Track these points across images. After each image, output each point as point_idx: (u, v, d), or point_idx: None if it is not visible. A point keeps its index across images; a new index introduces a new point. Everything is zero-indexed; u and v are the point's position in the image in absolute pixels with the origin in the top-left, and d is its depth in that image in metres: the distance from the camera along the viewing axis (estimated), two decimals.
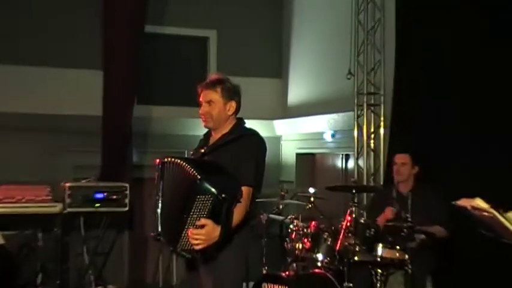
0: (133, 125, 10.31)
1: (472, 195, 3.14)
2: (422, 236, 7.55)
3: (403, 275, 7.52)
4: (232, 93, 5.37)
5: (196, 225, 4.77)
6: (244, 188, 5.01)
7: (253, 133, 5.42)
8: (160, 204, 5.17)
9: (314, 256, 7.72)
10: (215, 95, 5.31)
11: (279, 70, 14.23)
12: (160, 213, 5.16)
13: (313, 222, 7.90)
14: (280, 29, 14.32)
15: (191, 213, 4.78)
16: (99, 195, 9.20)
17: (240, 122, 5.47)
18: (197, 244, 4.76)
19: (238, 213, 4.95)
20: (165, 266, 10.57)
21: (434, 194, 7.25)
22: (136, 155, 10.46)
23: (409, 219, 7.36)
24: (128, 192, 9.35)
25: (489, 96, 8.16)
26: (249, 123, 5.53)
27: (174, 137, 11.33)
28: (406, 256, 7.30)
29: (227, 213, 4.84)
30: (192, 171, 4.81)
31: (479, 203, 2.96)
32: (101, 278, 9.66)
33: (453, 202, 3.37)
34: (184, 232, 4.82)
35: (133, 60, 10.08)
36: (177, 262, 11.61)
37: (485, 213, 2.89)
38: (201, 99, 5.39)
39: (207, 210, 4.76)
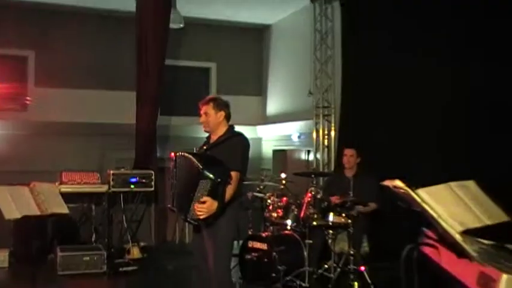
0: (158, 130, 10.34)
1: (394, 178, 3.18)
2: (360, 207, 7.63)
3: (347, 234, 7.57)
4: (222, 106, 5.48)
5: (200, 201, 4.89)
6: (233, 173, 5.12)
7: (240, 134, 5.52)
8: (174, 186, 5.34)
9: (285, 222, 7.78)
10: (209, 108, 5.45)
11: (260, 90, 14.27)
12: (174, 192, 5.33)
13: (284, 198, 7.94)
14: (261, 61, 14.34)
15: (196, 193, 4.91)
16: (133, 179, 9.24)
17: (231, 127, 5.56)
18: (201, 215, 4.91)
19: (229, 191, 5.08)
20: (180, 229, 10.60)
21: (370, 177, 7.29)
22: (160, 151, 10.47)
23: (352, 196, 7.49)
24: (153, 177, 9.40)
25: (414, 105, 8.27)
26: (239, 128, 5.62)
27: (187, 138, 11.32)
28: (349, 221, 7.38)
29: (222, 192, 4.98)
30: (196, 163, 4.96)
31: (398, 183, 3.00)
32: (135, 237, 9.68)
33: (381, 183, 3.41)
34: (191, 206, 4.94)
35: (157, 85, 10.12)
36: (189, 226, 11.69)
37: (402, 190, 2.94)
38: (200, 111, 5.51)
39: (207, 190, 4.89)
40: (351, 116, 9.95)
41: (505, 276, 2.32)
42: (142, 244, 9.75)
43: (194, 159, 5.01)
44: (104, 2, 11.80)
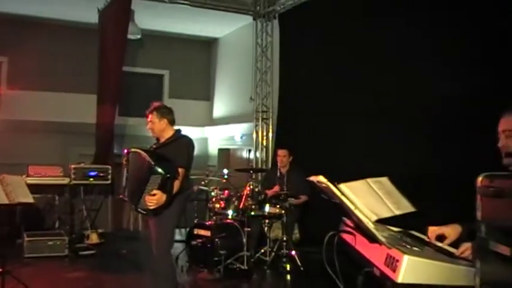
0: (116, 129, 10.25)
1: (318, 174, 3.22)
2: (293, 199, 7.74)
3: (280, 223, 7.68)
4: (164, 114, 5.47)
5: (150, 194, 4.87)
6: (180, 169, 5.12)
7: (186, 136, 5.51)
8: (127, 179, 5.28)
9: (226, 212, 7.86)
10: (153, 117, 5.44)
11: (208, 95, 14.29)
12: (127, 185, 5.27)
13: (226, 191, 7.99)
14: (209, 70, 14.38)
15: (147, 186, 4.89)
16: (93, 173, 9.15)
17: (178, 131, 5.55)
18: (151, 205, 4.90)
19: (176, 185, 5.06)
20: (134, 218, 10.55)
21: (301, 173, 7.36)
22: (117, 148, 10.38)
23: (285, 189, 7.57)
24: (110, 171, 9.32)
25: (341, 110, 8.39)
26: (188, 129, 5.68)
27: (142, 137, 11.19)
28: (283, 211, 7.48)
29: (171, 186, 4.96)
30: (148, 159, 4.94)
31: (321, 178, 3.06)
32: (94, 225, 9.57)
33: (307, 178, 3.46)
34: (142, 197, 4.93)
35: (116, 89, 10.05)
36: (142, 216, 11.64)
37: (323, 185, 3.00)
38: (147, 119, 5.50)
39: (157, 184, 4.87)
40: (287, 120, 10.09)
41: (405, 257, 2.41)
42: (100, 231, 9.64)
43: (146, 156, 4.99)
44: (70, 15, 11.70)
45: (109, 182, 9.36)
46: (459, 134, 6.14)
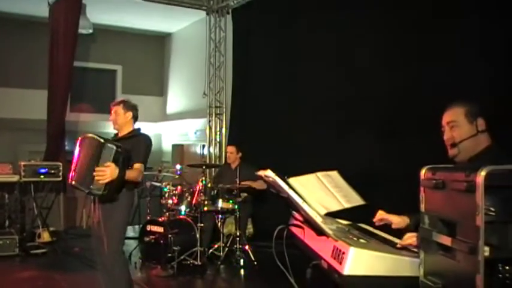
0: (67, 126, 10.10)
1: (266, 168, 3.23)
2: (245, 194, 7.77)
3: (234, 218, 7.68)
4: (130, 108, 5.41)
5: (103, 165, 4.75)
6: (138, 164, 5.04)
7: (144, 134, 5.44)
8: (76, 163, 4.99)
9: (179, 208, 7.82)
10: (119, 108, 5.36)
11: (161, 91, 14.17)
12: (77, 168, 4.96)
13: (179, 187, 7.93)
14: (162, 65, 14.27)
15: (100, 161, 4.76)
16: (43, 170, 8.97)
17: (138, 128, 5.48)
18: (104, 178, 4.72)
19: (133, 174, 4.99)
20: (87, 216, 10.41)
21: (252, 167, 7.37)
22: (69, 145, 10.23)
23: (238, 184, 7.58)
24: (61, 168, 9.15)
25: (293, 107, 8.48)
26: (142, 124, 5.56)
27: (93, 133, 11.17)
28: (236, 206, 7.49)
29: (123, 161, 4.83)
30: (98, 138, 4.85)
31: (269, 173, 3.06)
32: (45, 223, 9.40)
33: (256, 173, 3.46)
34: (95, 176, 4.76)
35: (67, 84, 9.90)
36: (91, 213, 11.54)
37: (271, 179, 3.01)
38: (111, 111, 5.42)
39: (110, 158, 4.77)
40: (240, 115, 10.10)
41: (351, 249, 2.43)
42: (52, 229, 9.48)
43: (96, 136, 4.91)
44: (20, 8, 11.41)
45: (60, 179, 9.19)
46: (408, 128, 6.25)
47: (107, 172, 4.73)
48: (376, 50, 7.04)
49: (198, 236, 7.37)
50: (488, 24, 5.58)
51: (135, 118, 5.48)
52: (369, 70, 7.07)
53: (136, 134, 5.43)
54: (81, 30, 10.25)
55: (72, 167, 5.03)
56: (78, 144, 5.12)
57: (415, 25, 6.44)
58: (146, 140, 5.34)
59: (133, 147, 5.15)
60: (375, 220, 3.30)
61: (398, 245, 2.92)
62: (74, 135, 11.32)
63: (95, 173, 4.75)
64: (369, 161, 6.67)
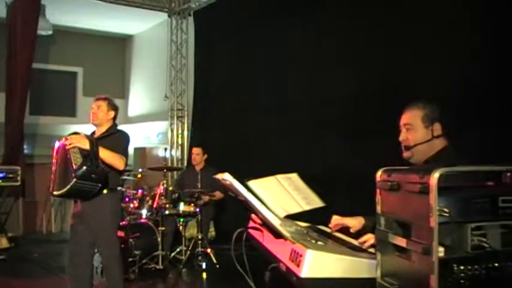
0: (26, 129, 9.94)
1: (233, 172, 3.21)
2: (207, 197, 7.74)
3: (196, 221, 7.65)
4: (114, 107, 5.37)
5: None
6: (120, 156, 5.00)
7: (122, 130, 5.40)
8: (55, 171, 4.96)
9: (140, 212, 7.74)
10: (103, 104, 5.29)
11: (123, 93, 14.03)
12: (56, 177, 4.90)
13: (139, 190, 7.88)
14: (124, 67, 14.15)
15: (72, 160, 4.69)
16: (1, 174, 8.81)
17: (115, 125, 5.43)
18: (71, 144, 4.70)
19: (111, 153, 4.94)
20: (47, 220, 10.27)
21: (215, 170, 7.34)
22: (28, 148, 10.08)
23: (200, 187, 7.55)
24: (19, 172, 8.99)
25: (255, 109, 8.51)
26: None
27: (55, 137, 10.96)
28: (198, 209, 7.46)
29: (92, 140, 4.82)
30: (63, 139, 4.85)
31: (226, 176, 3.05)
32: (4, 229, 9.22)
33: (214, 176, 3.44)
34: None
35: (25, 86, 9.76)
36: (56, 217, 11.36)
37: (227, 182, 3.00)
38: (93, 105, 5.33)
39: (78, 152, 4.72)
40: (202, 118, 10.10)
41: (308, 251, 2.43)
42: (10, 235, 9.30)
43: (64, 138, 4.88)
44: None
45: (19, 183, 9.03)
46: (368, 130, 6.31)
47: (74, 139, 4.72)
48: (341, 51, 7.10)
49: (159, 239, 7.31)
50: (452, 26, 5.68)
51: (115, 119, 5.43)
52: (333, 71, 7.13)
53: (115, 131, 5.36)
54: (41, 32, 10.12)
55: (52, 178, 4.96)
56: (54, 152, 5.06)
57: (380, 26, 6.52)
58: (125, 136, 5.30)
59: (114, 143, 5.10)
60: (330, 226, 3.31)
61: (358, 245, 2.95)
62: (33, 139, 11.19)
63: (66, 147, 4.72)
64: (333, 162, 6.72)
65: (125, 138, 5.28)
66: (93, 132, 5.41)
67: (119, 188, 5.56)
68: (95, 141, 4.84)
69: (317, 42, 7.40)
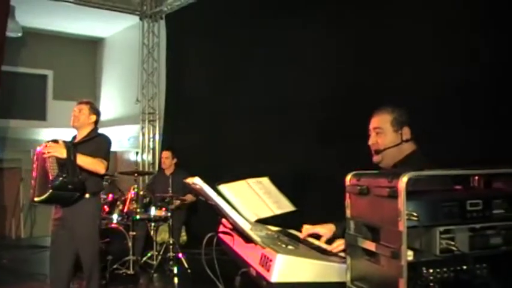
0: None
1: (205, 175, 3.20)
2: (178, 202, 7.71)
3: (167, 225, 7.62)
4: (96, 111, 5.40)
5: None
6: (102, 160, 5.02)
7: (104, 134, 5.42)
8: (36, 178, 4.98)
9: (111, 216, 7.66)
10: (85, 108, 5.31)
11: (94, 97, 13.90)
12: (36, 184, 4.94)
13: (110, 195, 7.84)
14: (95, 70, 14.04)
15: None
16: None
17: (97, 129, 5.42)
18: (49, 153, 4.71)
19: (89, 159, 4.96)
20: (16, 226, 10.14)
21: (186, 174, 7.35)
22: None
23: (171, 191, 7.53)
24: None
25: (227, 113, 8.50)
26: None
27: (24, 140, 10.93)
28: (169, 214, 7.44)
29: (70, 146, 4.83)
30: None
31: (196, 180, 3.04)
32: None
33: (185, 180, 3.42)
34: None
35: None
36: (25, 223, 11.22)
37: (198, 186, 2.99)
38: (75, 108, 5.32)
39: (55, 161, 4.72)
40: (173, 121, 10.08)
41: (278, 256, 2.43)
42: None
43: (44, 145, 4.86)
44: None
45: None
46: (340, 134, 6.33)
47: (51, 148, 4.71)
48: (312, 55, 7.13)
49: (130, 244, 7.27)
50: (423, 30, 5.75)
51: (96, 123, 5.43)
52: (304, 74, 7.17)
53: (96, 134, 5.36)
54: (10, 34, 9.98)
55: (33, 184, 4.97)
56: (35, 158, 5.04)
57: (350, 29, 6.57)
58: (107, 140, 5.33)
59: (95, 147, 5.11)
60: (302, 237, 3.31)
61: (329, 251, 2.95)
62: (2, 142, 11.05)
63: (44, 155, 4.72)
64: (304, 166, 6.75)
65: (106, 141, 5.30)
66: (75, 136, 5.41)
67: (101, 192, 5.54)
68: (73, 149, 4.85)
69: (291, 44, 7.43)
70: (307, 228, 3.32)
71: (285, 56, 7.52)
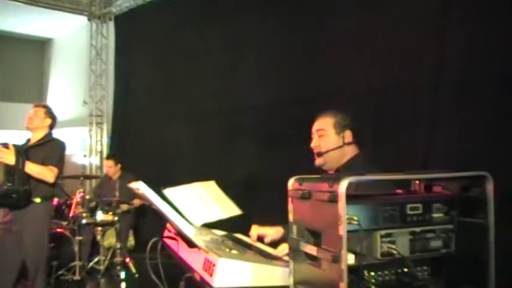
0: None
1: (151, 179, 3.19)
2: (126, 206, 7.64)
3: (114, 230, 7.53)
4: (51, 115, 5.42)
5: None
6: (53, 167, 5.00)
7: (58, 139, 5.41)
8: None
9: (56, 221, 7.53)
10: (41, 111, 5.33)
11: (41, 98, 13.69)
12: None
13: (55, 199, 7.69)
14: (43, 71, 13.84)
15: None
16: None
17: (51, 133, 5.40)
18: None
19: (39, 167, 4.93)
20: None
21: (133, 178, 7.27)
22: None
23: (118, 196, 7.45)
24: None
25: (176, 116, 8.45)
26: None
27: None
28: (116, 218, 7.34)
29: (19, 152, 4.81)
30: None
31: (139, 185, 3.01)
32: None
33: (128, 185, 3.41)
34: None
35: None
36: None
37: (140, 191, 2.96)
38: (31, 110, 5.32)
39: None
40: (121, 124, 10.00)
41: (220, 260, 2.43)
42: None
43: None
44: None
45: None
46: (287, 138, 6.38)
47: (3, 154, 4.69)
48: (258, 59, 7.17)
49: (76, 249, 7.16)
50: (365, 36, 5.83)
51: (51, 127, 5.41)
52: (250, 79, 7.20)
53: (50, 139, 5.32)
54: None
55: None
56: None
57: (295, 34, 6.63)
58: (61, 145, 5.33)
59: (47, 153, 5.08)
60: (251, 236, 3.32)
61: (274, 255, 2.96)
62: None
63: None
64: (251, 170, 6.78)
65: (59, 147, 5.28)
66: (29, 139, 5.35)
67: (53, 197, 5.51)
68: (22, 156, 4.80)
69: (237, 49, 7.46)
70: (255, 229, 3.34)
71: (231, 60, 7.56)
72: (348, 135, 3.10)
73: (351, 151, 3.10)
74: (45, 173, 4.96)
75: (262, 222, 3.48)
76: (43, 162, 5.00)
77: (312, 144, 3.18)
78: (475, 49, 4.98)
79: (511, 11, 4.78)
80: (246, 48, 7.36)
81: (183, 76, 8.37)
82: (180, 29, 8.46)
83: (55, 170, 5.04)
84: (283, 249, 2.97)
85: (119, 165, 8.31)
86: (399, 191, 2.33)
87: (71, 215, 7.45)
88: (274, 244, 3.26)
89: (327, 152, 3.09)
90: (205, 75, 7.95)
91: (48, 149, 5.13)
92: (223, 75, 7.64)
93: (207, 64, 7.93)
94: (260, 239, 3.39)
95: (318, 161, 3.14)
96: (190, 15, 8.31)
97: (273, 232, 3.30)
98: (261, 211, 4.93)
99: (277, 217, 3.40)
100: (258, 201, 6.12)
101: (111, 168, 8.32)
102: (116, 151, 9.02)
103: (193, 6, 8.35)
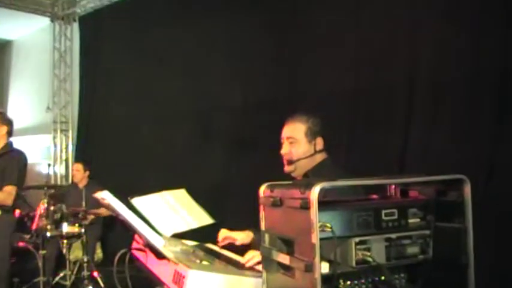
0: None
1: (119, 188, 3.19)
2: (92, 216, 7.59)
3: (81, 242, 7.47)
4: (6, 121, 5.37)
5: None
6: (9, 186, 5.00)
7: (17, 150, 5.40)
8: None
9: (18, 234, 7.47)
10: None
11: (1, 103, 13.52)
12: None
13: (17, 211, 7.61)
14: (2, 75, 13.65)
15: None
16: None
17: (10, 143, 5.36)
18: None
19: (2, 197, 5.02)
20: None
21: (100, 187, 7.23)
22: None
23: (84, 206, 7.39)
24: None
25: (144, 123, 8.46)
26: None
27: None
28: (82, 230, 7.29)
29: None
30: None
31: (105, 194, 3.01)
32: None
33: (94, 195, 3.40)
34: None
35: None
36: None
37: (106, 202, 2.96)
38: None
39: None
40: (87, 131, 9.95)
41: (190, 272, 2.44)
42: None
43: None
44: None
45: None
46: (258, 141, 6.42)
47: None
48: (229, 61, 7.19)
49: (40, 264, 7.07)
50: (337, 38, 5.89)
51: (10, 133, 5.34)
52: (222, 82, 7.23)
53: (9, 150, 5.26)
54: None
55: None
56: None
57: (267, 38, 6.67)
58: (20, 158, 5.27)
59: (6, 166, 4.96)
60: (218, 240, 3.34)
61: (242, 263, 2.97)
62: None
63: None
64: (222, 176, 6.81)
65: (19, 161, 5.21)
66: None
67: (15, 208, 5.46)
68: None
69: (210, 51, 7.48)
70: (224, 232, 3.35)
71: (201, 61, 7.58)
72: (319, 142, 3.13)
73: (319, 157, 3.13)
74: (5, 200, 4.92)
75: (233, 228, 3.50)
76: (1, 176, 4.92)
77: (282, 151, 3.18)
78: (446, 49, 5.06)
79: (481, 9, 4.87)
80: (216, 50, 7.38)
81: (151, 79, 8.35)
82: (148, 30, 8.44)
83: (13, 192, 4.98)
84: (252, 256, 2.98)
85: (87, 172, 8.25)
86: (374, 196, 2.34)
87: (34, 227, 7.35)
88: (244, 249, 3.27)
89: (298, 160, 3.11)
90: (173, 79, 7.95)
91: (7, 164, 5.05)
92: (193, 77, 7.65)
93: (176, 66, 7.92)
94: (229, 246, 3.41)
95: (288, 168, 3.16)
96: (159, 15, 8.29)
97: (243, 236, 3.33)
98: (232, 217, 4.97)
99: (250, 225, 3.42)
100: (229, 207, 6.16)
101: (78, 172, 8.25)
102: (82, 158, 8.94)
103: (162, 6, 8.34)
